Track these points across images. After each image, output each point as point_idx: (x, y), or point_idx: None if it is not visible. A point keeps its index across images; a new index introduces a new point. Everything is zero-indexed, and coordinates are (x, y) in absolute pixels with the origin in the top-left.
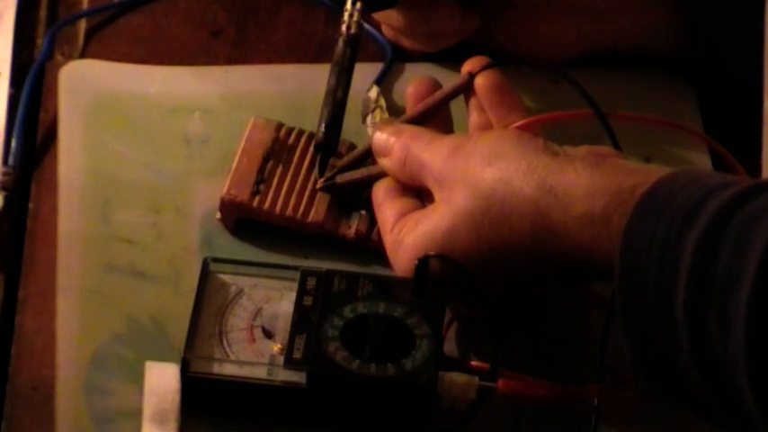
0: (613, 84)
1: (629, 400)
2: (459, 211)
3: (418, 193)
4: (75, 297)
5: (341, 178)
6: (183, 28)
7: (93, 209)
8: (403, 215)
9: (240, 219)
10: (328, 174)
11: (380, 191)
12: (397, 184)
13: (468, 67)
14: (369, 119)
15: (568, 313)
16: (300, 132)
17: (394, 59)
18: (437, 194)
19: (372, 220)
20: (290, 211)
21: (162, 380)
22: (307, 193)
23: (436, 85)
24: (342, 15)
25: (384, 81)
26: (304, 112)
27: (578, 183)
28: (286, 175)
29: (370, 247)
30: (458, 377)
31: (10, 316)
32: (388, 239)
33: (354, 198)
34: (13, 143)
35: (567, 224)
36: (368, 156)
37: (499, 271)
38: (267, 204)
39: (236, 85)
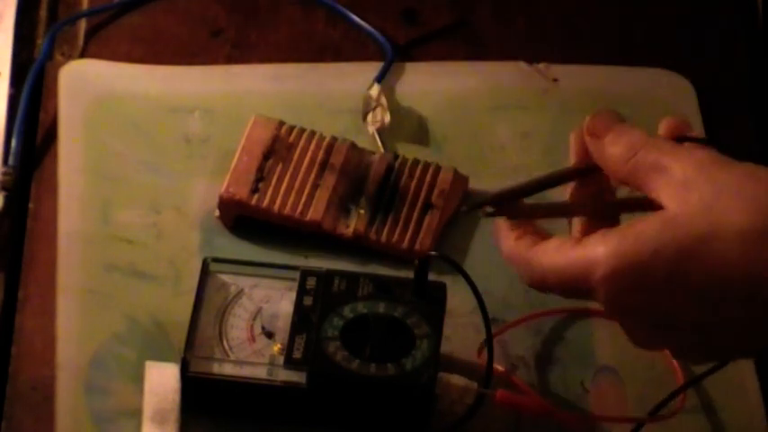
0: (613, 84)
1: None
2: (725, 222)
3: None
4: (75, 297)
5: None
6: (183, 28)
7: (93, 209)
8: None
9: (239, 217)
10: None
11: (514, 237)
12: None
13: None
14: (369, 117)
15: (568, 313)
16: (301, 131)
17: (394, 58)
18: (673, 200)
19: (371, 219)
20: (288, 209)
21: (162, 380)
22: (306, 191)
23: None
24: None
25: (385, 79)
26: (304, 112)
27: None
28: (285, 174)
29: (369, 246)
30: (456, 380)
31: (10, 316)
32: (561, 260)
33: (354, 195)
34: (13, 143)
35: None
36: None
37: (746, 303)
38: (266, 202)
39: (237, 85)
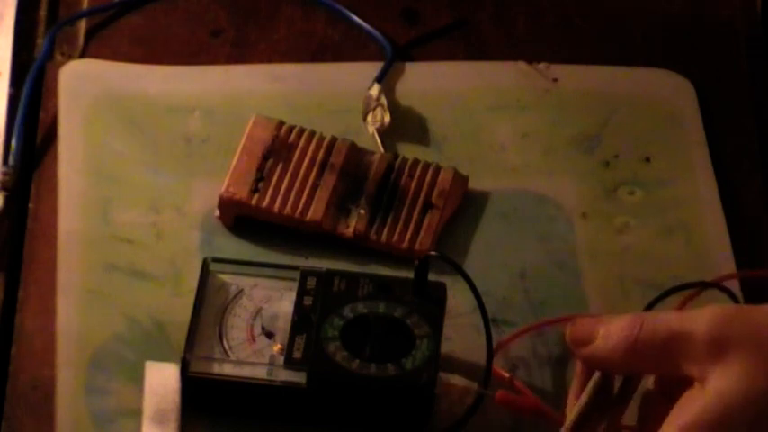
0: (613, 84)
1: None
2: None
3: None
4: (75, 297)
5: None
6: (183, 28)
7: (93, 209)
8: None
9: (239, 217)
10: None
11: None
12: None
13: None
14: (369, 117)
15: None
16: (301, 131)
17: (394, 58)
18: (710, 371)
19: (371, 219)
20: (288, 209)
21: (162, 380)
22: (306, 191)
23: None
24: None
25: (385, 79)
26: (304, 112)
27: None
28: (285, 174)
29: (369, 246)
30: (456, 380)
31: (10, 316)
32: None
33: (354, 195)
34: (13, 143)
35: None
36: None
37: None
38: (266, 203)
39: (236, 85)
